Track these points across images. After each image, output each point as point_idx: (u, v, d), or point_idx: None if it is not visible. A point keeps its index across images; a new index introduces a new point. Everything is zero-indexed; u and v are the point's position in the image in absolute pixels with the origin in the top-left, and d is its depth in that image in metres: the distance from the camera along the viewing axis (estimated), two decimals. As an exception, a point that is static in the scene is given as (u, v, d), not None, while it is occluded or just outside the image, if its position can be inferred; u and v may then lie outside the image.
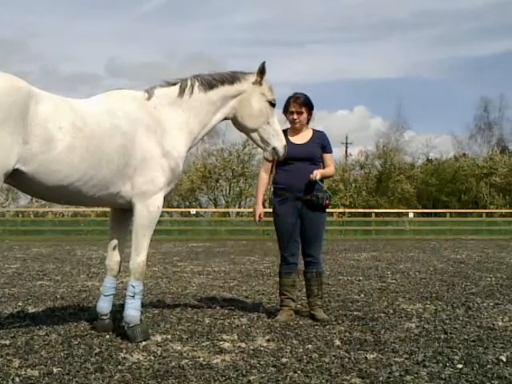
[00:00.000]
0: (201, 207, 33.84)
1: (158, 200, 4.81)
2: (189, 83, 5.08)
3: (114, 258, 5.16)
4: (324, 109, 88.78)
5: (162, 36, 75.23)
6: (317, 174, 5.58)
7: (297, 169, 5.61)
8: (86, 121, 4.37)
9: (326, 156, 5.79)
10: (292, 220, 5.65)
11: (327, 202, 5.64)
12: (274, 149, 5.22)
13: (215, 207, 33.19)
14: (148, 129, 4.76)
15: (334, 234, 23.66)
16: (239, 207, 34.33)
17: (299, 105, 5.69)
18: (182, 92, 5.05)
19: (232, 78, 5.15)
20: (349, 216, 29.16)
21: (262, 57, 69.96)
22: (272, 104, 5.21)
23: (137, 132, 4.67)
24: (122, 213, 5.09)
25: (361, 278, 9.28)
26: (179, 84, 5.08)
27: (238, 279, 9.14)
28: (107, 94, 4.91)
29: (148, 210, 4.77)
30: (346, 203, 32.89)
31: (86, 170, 4.34)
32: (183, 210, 30.31)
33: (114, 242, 5.15)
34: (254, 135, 5.24)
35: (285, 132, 5.65)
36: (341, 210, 29.24)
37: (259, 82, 5.17)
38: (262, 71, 5.15)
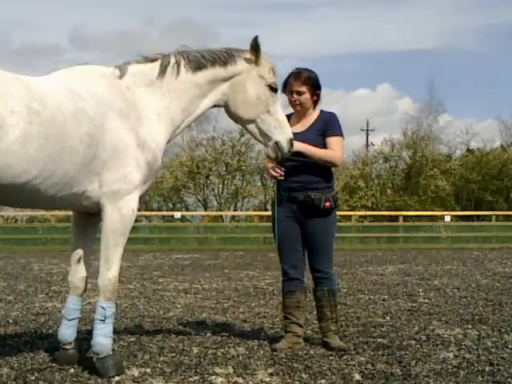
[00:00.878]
0: (187, 210, 33.88)
1: (132, 201, 4.80)
2: (172, 61, 5.07)
3: (78, 273, 5.14)
4: (340, 87, 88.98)
5: (139, -3, 75.24)
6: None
7: (293, 164, 5.56)
8: (45, 103, 4.36)
9: (329, 140, 5.62)
10: (289, 225, 5.65)
11: (327, 204, 5.55)
12: (276, 143, 5.21)
13: (205, 210, 33.24)
14: (120, 113, 4.75)
15: (352, 242, 23.67)
16: (235, 210, 34.41)
17: (299, 83, 5.66)
18: (162, 71, 5.03)
19: (225, 58, 5.14)
20: (371, 220, 29.20)
21: (261, 24, 70.09)
22: (273, 89, 5.19)
23: (106, 117, 4.66)
24: (88, 216, 5.08)
25: (386, 296, 9.29)
26: (160, 61, 5.07)
27: (233, 299, 9.15)
28: (69, 70, 4.90)
29: (120, 213, 4.76)
30: (366, 204, 32.93)
31: (45, 164, 4.33)
32: (165, 213, 30.35)
33: (79, 253, 5.14)
34: (252, 127, 5.24)
35: (288, 118, 5.62)
36: (360, 212, 29.27)
37: (255, 62, 5.16)
38: (255, 48, 5.12)
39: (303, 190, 5.57)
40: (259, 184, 34.50)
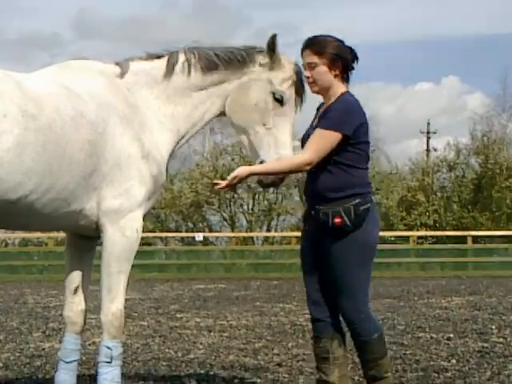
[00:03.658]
0: (210, 231, 33.94)
1: (136, 220, 4.88)
2: (181, 59, 5.13)
3: (75, 306, 5.19)
4: (397, 81, 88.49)
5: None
6: (219, 183, 5.02)
7: (310, 171, 5.09)
8: (41, 105, 4.45)
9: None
10: (309, 252, 5.17)
11: (336, 220, 4.87)
12: (262, 162, 5.11)
13: (232, 230, 33.25)
14: (123, 119, 4.85)
15: (410, 268, 23.53)
16: (268, 230, 34.37)
17: (310, 51, 4.98)
18: (169, 71, 5.10)
19: (243, 59, 5.13)
20: (433, 242, 28.98)
21: (299, 6, 70.02)
22: (277, 99, 5.10)
23: (108, 123, 4.76)
24: (85, 238, 5.15)
25: (451, 335, 9.22)
26: (166, 58, 5.13)
27: (266, 338, 9.14)
28: (64, 65, 5.01)
29: (123, 234, 4.83)
30: (428, 222, 32.70)
31: (42, 177, 4.41)
32: (184, 234, 30.41)
33: (75, 282, 5.19)
34: (243, 138, 5.25)
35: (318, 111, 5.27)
36: (420, 232, 29.08)
37: (270, 65, 5.11)
38: (271, 48, 5.06)
39: (313, 204, 5.02)
40: (297, 198, 34.32)
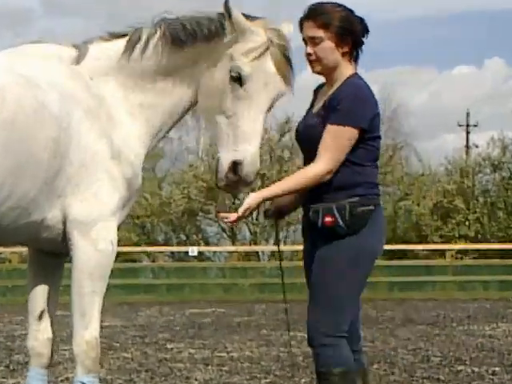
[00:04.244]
0: (207, 244, 33.88)
1: (109, 230, 4.88)
2: (144, 36, 5.04)
3: (40, 334, 5.16)
4: (431, 65, 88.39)
5: None
6: (228, 217, 5.01)
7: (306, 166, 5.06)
8: (3, 95, 4.45)
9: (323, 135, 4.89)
10: (307, 260, 5.16)
11: (327, 220, 4.80)
12: (218, 161, 5.02)
13: (233, 244, 33.20)
14: (88, 112, 4.83)
15: (447, 289, 23.47)
16: (276, 243, 34.29)
17: (313, 24, 4.88)
18: (129, 51, 5.01)
19: (210, 32, 4.96)
20: (474, 257, 28.87)
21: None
22: (234, 78, 4.89)
23: (73, 117, 4.75)
24: (51, 254, 5.13)
25: (496, 368, 9.21)
26: (128, 37, 5.06)
27: (274, 372, 9.13)
28: (20, 49, 4.99)
29: (96, 248, 4.82)
30: (468, 234, 32.65)
31: (4, 180, 4.42)
32: (175, 248, 30.35)
33: (39, 305, 5.17)
34: (209, 132, 5.28)
35: (315, 93, 5.20)
36: (459, 245, 29.02)
37: (236, 36, 4.88)
38: (227, 14, 4.84)
39: (310, 205, 4.97)
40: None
